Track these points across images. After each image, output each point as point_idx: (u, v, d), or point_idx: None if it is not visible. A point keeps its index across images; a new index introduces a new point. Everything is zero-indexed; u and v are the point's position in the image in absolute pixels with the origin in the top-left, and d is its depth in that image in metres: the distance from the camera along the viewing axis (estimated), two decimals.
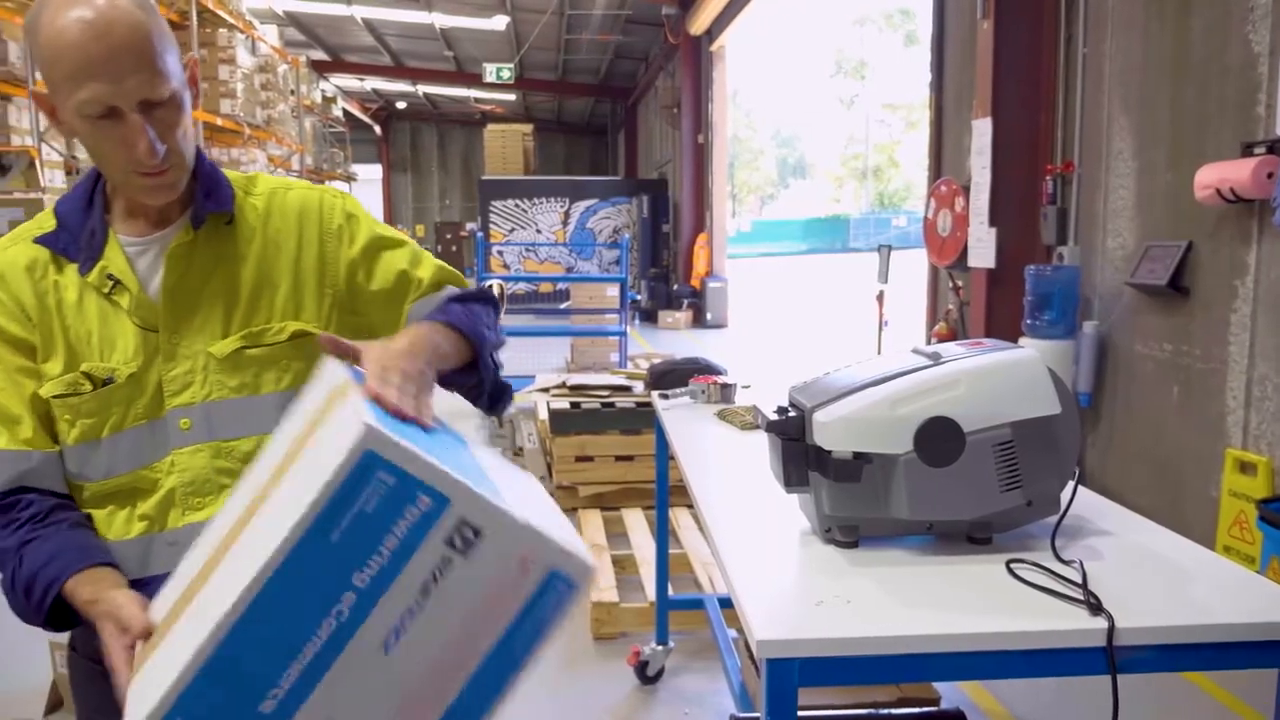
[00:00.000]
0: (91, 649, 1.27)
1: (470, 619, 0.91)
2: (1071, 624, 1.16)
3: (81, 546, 1.14)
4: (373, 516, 0.85)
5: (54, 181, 8.60)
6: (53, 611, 1.12)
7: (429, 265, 1.37)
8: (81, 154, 11.14)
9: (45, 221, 1.23)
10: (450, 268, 1.40)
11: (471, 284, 1.43)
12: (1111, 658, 1.13)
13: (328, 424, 0.95)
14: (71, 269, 1.20)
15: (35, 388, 1.18)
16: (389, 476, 0.85)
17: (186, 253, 1.22)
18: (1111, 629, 1.13)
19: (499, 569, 0.90)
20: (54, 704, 2.88)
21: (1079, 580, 1.25)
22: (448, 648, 0.91)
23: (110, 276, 1.19)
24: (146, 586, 1.17)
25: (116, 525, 1.21)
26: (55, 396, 1.18)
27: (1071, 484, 1.43)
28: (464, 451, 1.01)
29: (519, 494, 0.99)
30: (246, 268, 1.26)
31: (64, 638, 1.34)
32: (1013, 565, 1.32)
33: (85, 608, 1.09)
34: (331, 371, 1.07)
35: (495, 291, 6.03)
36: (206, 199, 1.23)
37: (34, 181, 7.61)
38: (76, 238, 1.20)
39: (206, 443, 1.21)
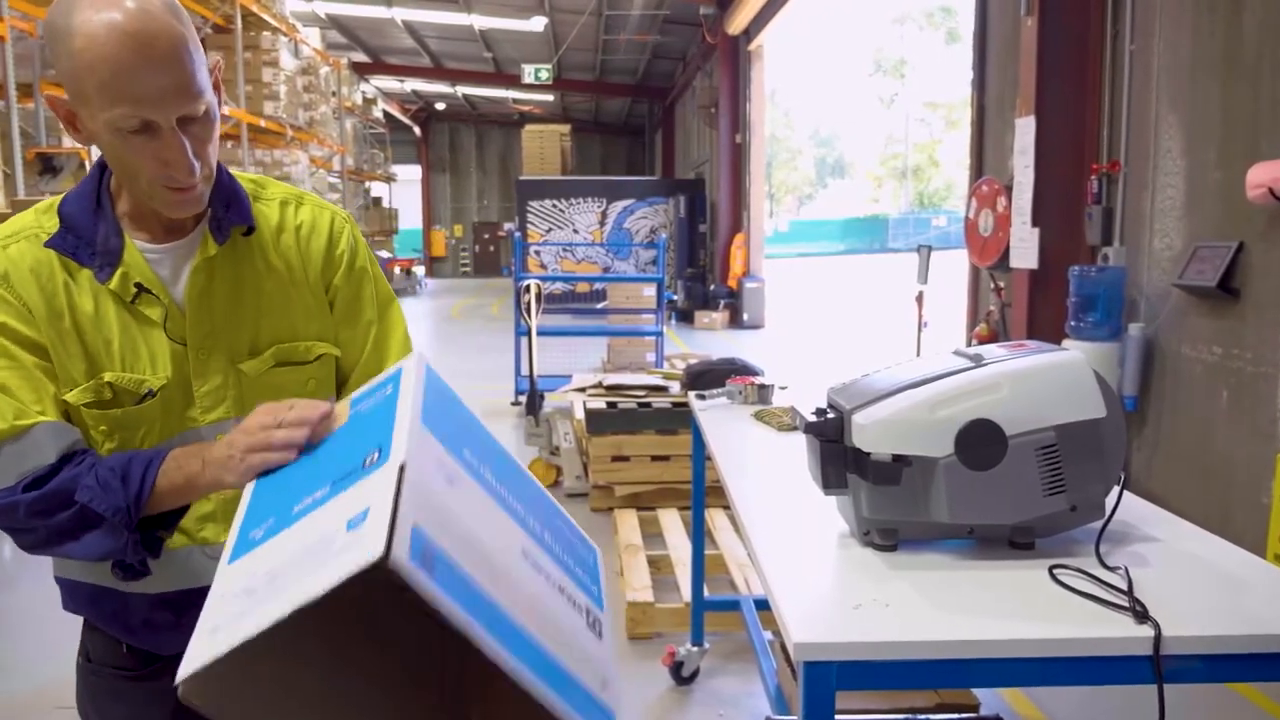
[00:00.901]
0: (111, 658, 1.26)
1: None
2: (1116, 632, 1.14)
3: (154, 451, 1.09)
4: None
5: None
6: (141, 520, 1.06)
7: (397, 334, 1.33)
8: None
9: (45, 220, 1.16)
10: (409, 345, 1.33)
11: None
12: (1158, 667, 1.11)
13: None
14: (84, 274, 1.14)
15: (55, 389, 1.12)
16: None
17: (209, 265, 1.18)
18: (1158, 637, 1.11)
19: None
20: None
21: (1124, 587, 1.22)
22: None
23: (139, 285, 1.14)
24: (189, 599, 1.15)
25: None
26: (85, 405, 1.13)
27: (1117, 489, 1.41)
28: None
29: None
30: (266, 282, 1.23)
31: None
32: (1056, 571, 1.30)
33: (197, 474, 1.04)
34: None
35: (533, 292, 6.05)
36: (227, 210, 1.19)
37: None
38: (88, 241, 1.14)
39: None
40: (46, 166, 7.92)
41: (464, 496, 0.91)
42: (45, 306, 1.12)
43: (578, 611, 1.01)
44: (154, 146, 1.06)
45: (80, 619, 1.31)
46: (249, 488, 1.00)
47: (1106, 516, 1.40)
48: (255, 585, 0.83)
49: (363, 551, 0.77)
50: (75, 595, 1.27)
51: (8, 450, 1.07)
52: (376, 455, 0.88)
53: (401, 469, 0.84)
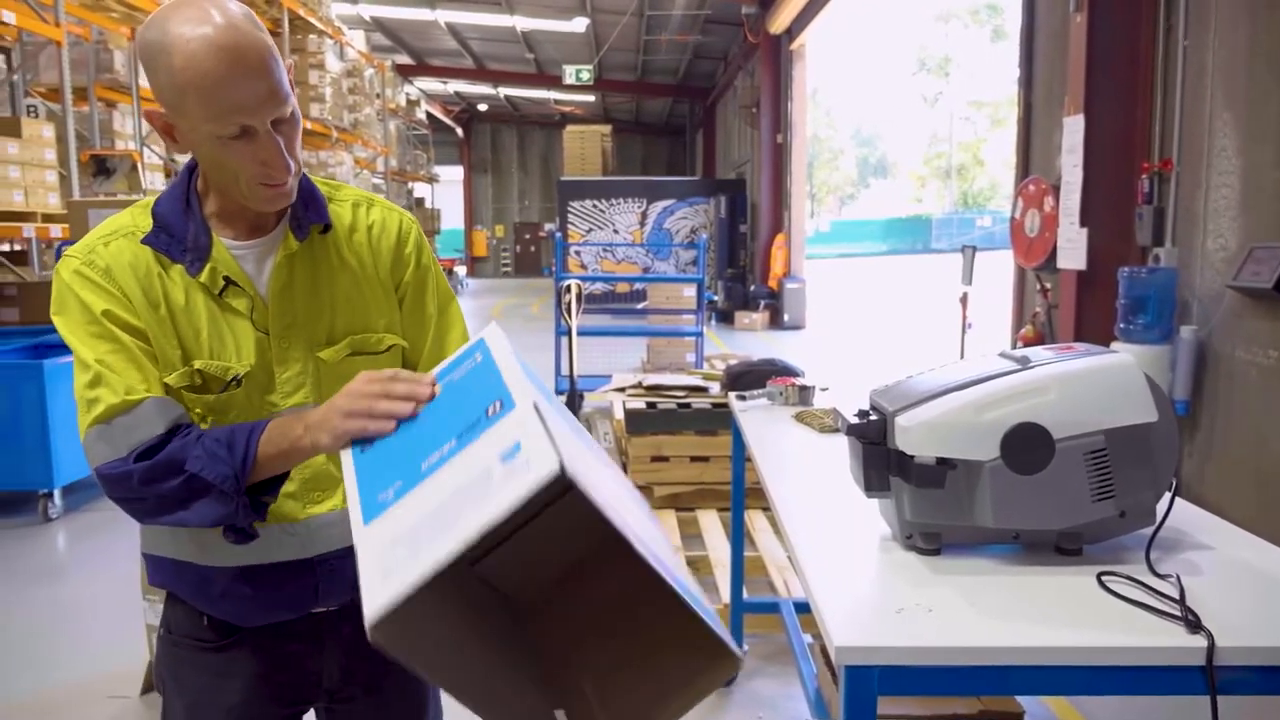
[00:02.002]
0: (191, 629, 1.32)
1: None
2: (1168, 641, 1.11)
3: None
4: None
5: (154, 184, 8.97)
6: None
7: (456, 328, 1.41)
8: (179, 157, 11.60)
9: (139, 221, 1.25)
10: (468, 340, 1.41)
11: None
12: (1211, 678, 1.08)
13: None
14: (176, 269, 1.23)
15: (158, 371, 1.20)
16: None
17: (290, 260, 1.26)
18: (1211, 648, 1.08)
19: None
20: (149, 684, 2.99)
21: (1176, 595, 1.20)
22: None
23: (227, 279, 1.23)
24: (267, 573, 1.25)
25: None
26: (184, 388, 1.21)
27: (1168, 495, 1.38)
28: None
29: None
30: (340, 277, 1.30)
31: (158, 619, 1.37)
32: (1104, 578, 1.28)
33: (301, 436, 1.10)
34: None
35: (573, 292, 6.08)
36: (306, 209, 1.28)
37: (136, 184, 7.95)
38: (180, 239, 1.23)
39: None
40: (100, 168, 8.11)
41: (569, 435, 0.97)
42: (143, 297, 1.21)
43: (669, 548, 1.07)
44: (252, 149, 1.15)
45: (143, 602, 1.37)
46: (348, 457, 1.05)
47: (1157, 523, 1.37)
48: (414, 532, 0.88)
49: (538, 470, 0.83)
50: (160, 568, 1.33)
51: (119, 423, 1.15)
52: (499, 405, 0.94)
53: (536, 406, 0.91)
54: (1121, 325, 4.50)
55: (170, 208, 1.25)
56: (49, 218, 7.11)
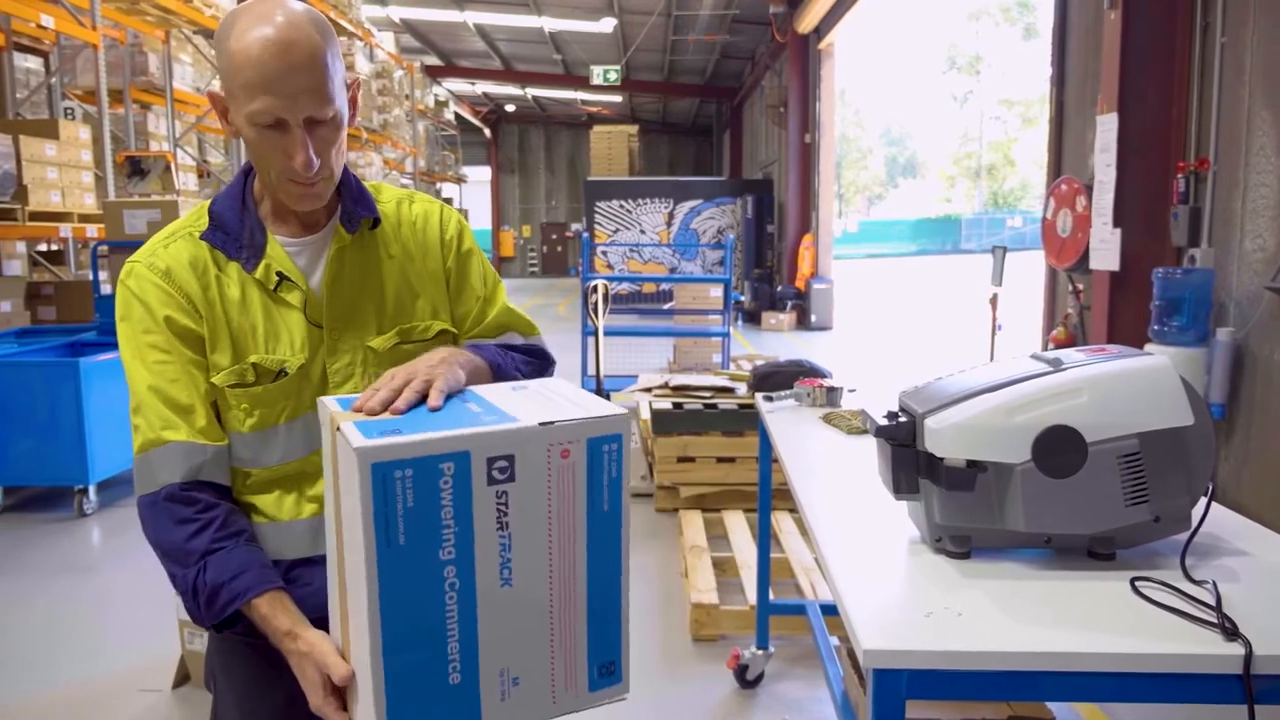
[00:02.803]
0: (246, 627, 1.33)
1: (553, 522, 1.03)
2: (1203, 648, 1.09)
3: (263, 566, 1.22)
4: (416, 507, 0.96)
5: (187, 184, 9.10)
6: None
7: (499, 304, 1.45)
8: (212, 158, 11.75)
9: (199, 219, 1.30)
10: (520, 314, 1.47)
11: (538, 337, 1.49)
12: (1249, 686, 1.06)
13: (341, 461, 1.04)
14: (233, 266, 1.28)
15: (205, 380, 1.26)
16: (405, 470, 0.96)
17: (341, 254, 1.31)
18: (1249, 656, 1.06)
19: (546, 470, 1.02)
20: (181, 678, 3.03)
21: (1212, 602, 1.18)
22: (552, 555, 1.04)
23: (280, 274, 1.27)
24: (314, 565, 1.28)
25: (287, 507, 1.30)
26: (230, 386, 1.26)
27: (1203, 500, 1.35)
28: (469, 403, 1.11)
29: (532, 402, 1.09)
30: (389, 269, 1.35)
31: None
32: (1138, 584, 1.26)
33: (279, 637, 1.17)
34: (322, 410, 1.13)
35: (600, 292, 6.09)
36: (356, 205, 1.33)
37: (170, 185, 8.05)
38: (235, 236, 1.28)
39: None
40: (135, 169, 8.23)
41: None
42: (202, 296, 1.26)
43: None
44: (283, 142, 1.19)
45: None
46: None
47: (1193, 528, 1.34)
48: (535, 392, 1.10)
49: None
50: None
51: (150, 457, 1.23)
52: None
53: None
54: (1155, 327, 4.44)
55: (227, 206, 1.30)
56: (85, 218, 7.22)
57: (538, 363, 1.43)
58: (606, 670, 1.10)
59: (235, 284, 1.27)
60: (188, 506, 1.22)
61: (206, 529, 1.21)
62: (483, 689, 1.03)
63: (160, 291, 1.25)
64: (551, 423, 1.02)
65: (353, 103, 1.27)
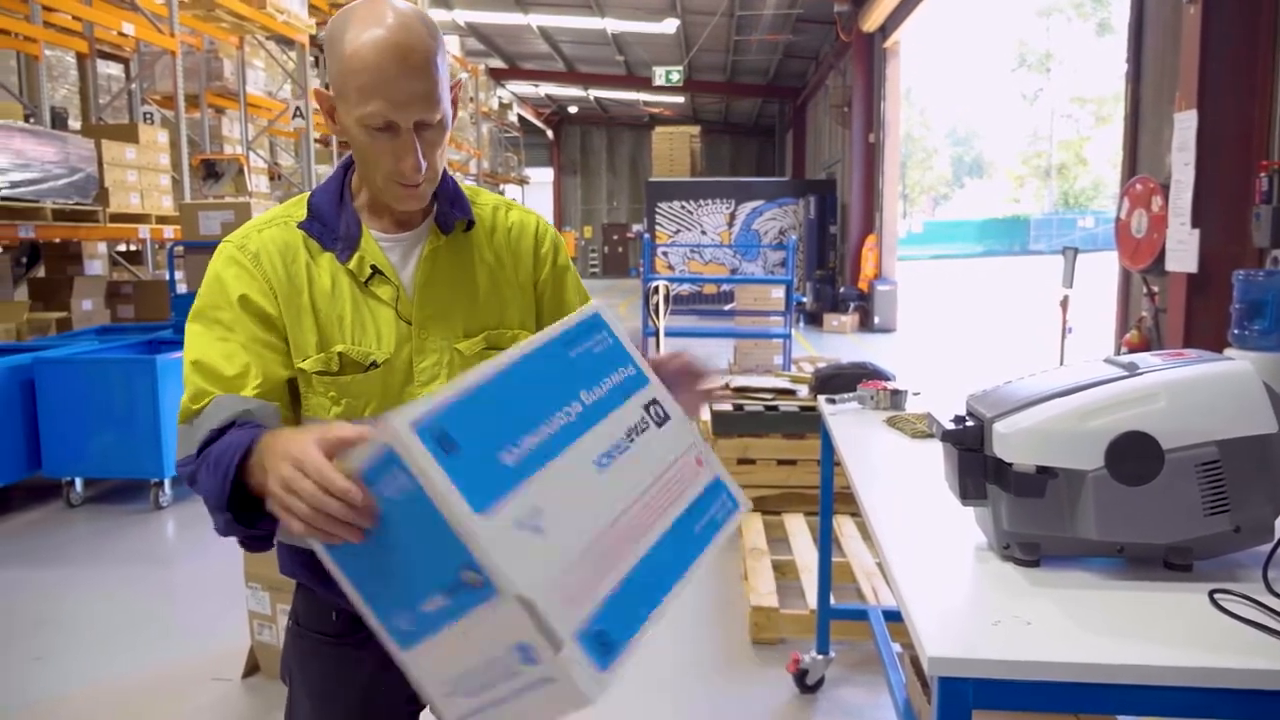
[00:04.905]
0: (319, 622, 1.36)
1: (659, 484, 1.03)
2: None
3: (255, 427, 1.14)
4: (597, 358, 1.05)
5: (259, 187, 9.35)
6: (239, 498, 1.09)
7: None
8: (284, 161, 12.04)
9: (296, 210, 1.32)
10: None
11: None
12: None
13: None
14: (326, 256, 1.28)
15: (277, 362, 1.24)
16: (606, 337, 1.07)
17: (435, 253, 1.32)
18: None
19: (680, 451, 1.08)
20: (251, 668, 3.11)
21: None
22: (640, 502, 0.99)
23: (374, 268, 1.28)
24: None
25: None
26: (317, 373, 1.26)
27: None
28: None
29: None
30: (480, 273, 1.36)
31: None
32: (1217, 596, 1.21)
33: (272, 440, 1.00)
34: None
35: (661, 293, 6.09)
36: (452, 206, 1.34)
37: (243, 187, 8.28)
38: (332, 228, 1.29)
39: None
40: (209, 172, 8.48)
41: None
42: (288, 283, 1.27)
43: None
44: (393, 145, 1.19)
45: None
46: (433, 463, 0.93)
47: (1277, 539, 1.29)
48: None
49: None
50: (291, 557, 1.37)
51: (193, 424, 1.19)
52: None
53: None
54: (1235, 331, 4.29)
55: (325, 199, 1.32)
56: (162, 219, 7.47)
57: None
58: (601, 641, 0.89)
59: (327, 273, 1.28)
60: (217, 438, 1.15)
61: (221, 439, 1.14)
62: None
63: (242, 270, 1.25)
64: (705, 444, 1.12)
65: (454, 103, 1.27)
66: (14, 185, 5.91)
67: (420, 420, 0.84)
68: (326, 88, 1.25)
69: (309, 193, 1.35)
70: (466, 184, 1.41)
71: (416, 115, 1.18)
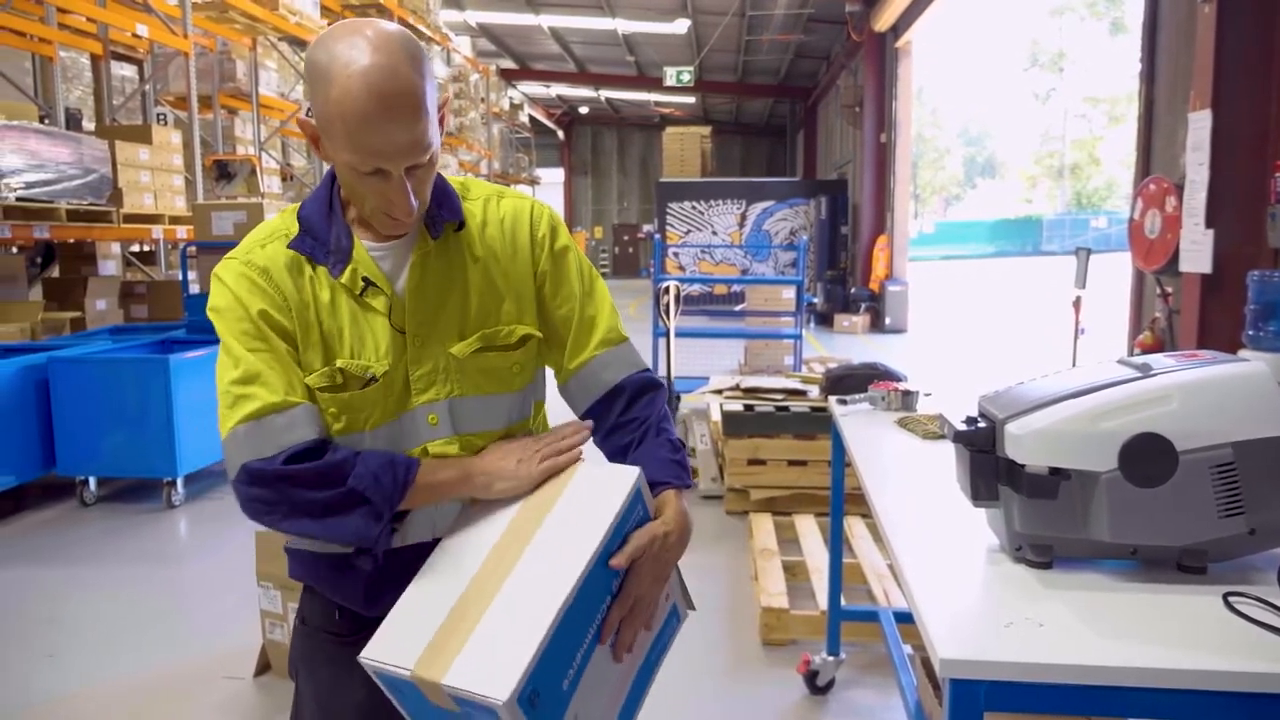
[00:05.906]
0: (324, 622, 1.37)
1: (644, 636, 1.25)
2: None
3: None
4: (620, 533, 1.20)
5: (271, 187, 9.39)
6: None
7: (604, 316, 1.41)
8: (295, 162, 12.09)
9: (289, 225, 1.30)
10: (616, 324, 1.42)
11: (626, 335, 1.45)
12: None
13: (574, 488, 1.26)
14: (321, 271, 1.27)
15: (300, 376, 1.25)
16: (640, 507, 1.23)
17: (425, 258, 1.29)
18: None
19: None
20: (262, 666, 3.13)
21: None
22: (630, 659, 1.22)
23: (366, 280, 1.27)
24: (403, 554, 1.28)
25: None
26: (321, 389, 1.25)
27: None
28: None
29: None
30: (474, 273, 1.33)
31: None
32: (1232, 599, 1.21)
33: (464, 480, 1.26)
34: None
35: (671, 293, 6.09)
36: (440, 208, 1.31)
37: (255, 187, 8.32)
38: (324, 242, 1.28)
39: (453, 436, 1.30)
40: (222, 173, 8.52)
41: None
42: (297, 297, 1.26)
43: None
44: (382, 187, 1.19)
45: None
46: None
47: None
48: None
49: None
50: (301, 562, 1.38)
51: (272, 422, 1.19)
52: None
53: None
54: (1250, 332, 4.25)
55: (315, 211, 1.30)
56: (175, 220, 7.51)
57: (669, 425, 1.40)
58: None
59: (325, 288, 1.27)
60: (318, 456, 1.21)
61: (341, 453, 1.22)
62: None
63: (255, 287, 1.25)
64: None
65: (442, 121, 1.24)
66: (29, 186, 5.95)
67: (519, 691, 1.02)
68: (309, 114, 1.22)
69: (298, 205, 1.33)
70: (456, 177, 1.39)
71: (406, 162, 1.17)
